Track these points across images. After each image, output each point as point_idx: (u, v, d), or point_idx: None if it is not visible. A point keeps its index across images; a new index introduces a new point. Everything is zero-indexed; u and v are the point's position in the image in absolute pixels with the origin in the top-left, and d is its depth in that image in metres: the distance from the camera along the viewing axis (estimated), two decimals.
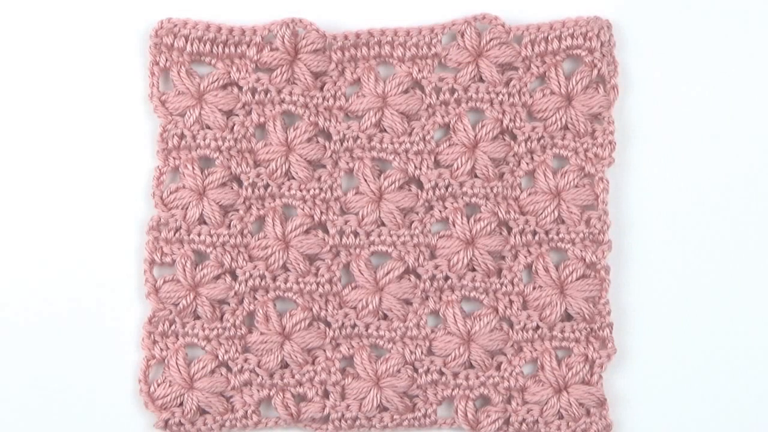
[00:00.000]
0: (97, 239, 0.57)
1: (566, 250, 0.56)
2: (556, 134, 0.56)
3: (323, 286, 0.56)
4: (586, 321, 0.56)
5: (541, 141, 0.56)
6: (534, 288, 0.56)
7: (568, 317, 0.56)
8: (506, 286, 0.56)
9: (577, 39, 0.55)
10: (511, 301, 0.56)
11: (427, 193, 0.56)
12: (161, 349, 0.55)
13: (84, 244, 0.57)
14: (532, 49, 0.55)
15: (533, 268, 0.56)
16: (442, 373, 0.56)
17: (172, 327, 0.55)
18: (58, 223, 0.57)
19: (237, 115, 0.56)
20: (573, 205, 0.56)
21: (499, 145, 0.56)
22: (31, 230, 0.57)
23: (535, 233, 0.56)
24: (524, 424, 0.56)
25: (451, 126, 0.56)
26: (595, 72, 0.55)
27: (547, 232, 0.56)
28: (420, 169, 0.56)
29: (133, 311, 0.57)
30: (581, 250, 0.56)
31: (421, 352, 0.56)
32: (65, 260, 0.57)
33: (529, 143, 0.56)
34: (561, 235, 0.56)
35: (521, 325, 0.56)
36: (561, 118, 0.56)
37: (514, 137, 0.56)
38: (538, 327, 0.56)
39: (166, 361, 0.55)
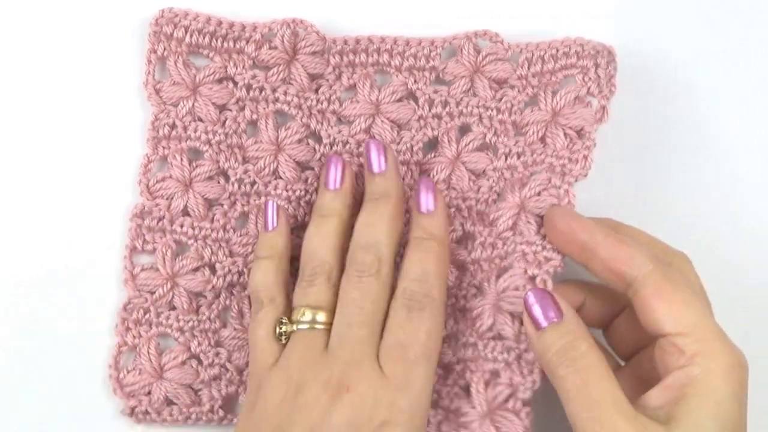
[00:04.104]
0: (80, 224, 0.57)
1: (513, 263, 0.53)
2: (536, 147, 0.55)
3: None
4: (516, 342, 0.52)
5: (521, 157, 0.55)
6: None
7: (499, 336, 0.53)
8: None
9: (571, 58, 0.55)
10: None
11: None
12: (134, 337, 0.55)
13: (65, 228, 0.57)
14: (528, 69, 0.55)
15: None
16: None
17: (147, 315, 0.55)
18: (41, 207, 0.57)
19: (230, 110, 0.56)
20: (532, 215, 0.53)
21: (481, 158, 0.55)
22: (15, 213, 0.57)
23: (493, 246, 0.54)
24: None
25: (438, 139, 0.56)
26: (584, 90, 0.54)
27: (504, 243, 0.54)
28: (404, 178, 0.56)
29: (111, 297, 0.57)
30: (525, 264, 0.52)
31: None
32: (46, 246, 0.57)
33: (509, 159, 0.55)
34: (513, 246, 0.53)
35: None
36: (540, 130, 0.54)
37: (496, 152, 0.56)
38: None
39: (137, 349, 0.55)
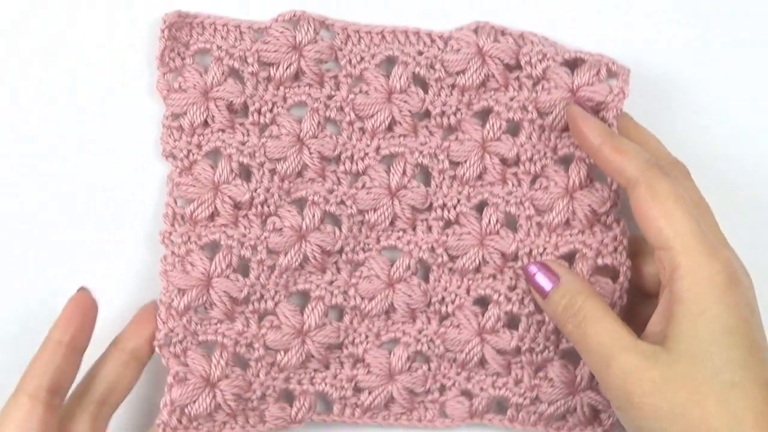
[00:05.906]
0: (90, 226, 0.57)
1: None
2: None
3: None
4: None
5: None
6: None
7: None
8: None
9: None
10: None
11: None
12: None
13: (88, 243, 0.57)
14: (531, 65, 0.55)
15: None
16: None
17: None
18: (51, 208, 0.56)
19: (244, 110, 0.55)
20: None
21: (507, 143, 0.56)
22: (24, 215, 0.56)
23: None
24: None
25: (458, 125, 0.56)
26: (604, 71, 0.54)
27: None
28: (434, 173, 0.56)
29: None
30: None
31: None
32: (70, 259, 0.57)
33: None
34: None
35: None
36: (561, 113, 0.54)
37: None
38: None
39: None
